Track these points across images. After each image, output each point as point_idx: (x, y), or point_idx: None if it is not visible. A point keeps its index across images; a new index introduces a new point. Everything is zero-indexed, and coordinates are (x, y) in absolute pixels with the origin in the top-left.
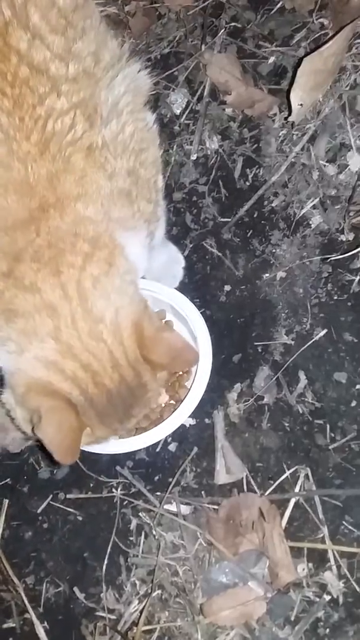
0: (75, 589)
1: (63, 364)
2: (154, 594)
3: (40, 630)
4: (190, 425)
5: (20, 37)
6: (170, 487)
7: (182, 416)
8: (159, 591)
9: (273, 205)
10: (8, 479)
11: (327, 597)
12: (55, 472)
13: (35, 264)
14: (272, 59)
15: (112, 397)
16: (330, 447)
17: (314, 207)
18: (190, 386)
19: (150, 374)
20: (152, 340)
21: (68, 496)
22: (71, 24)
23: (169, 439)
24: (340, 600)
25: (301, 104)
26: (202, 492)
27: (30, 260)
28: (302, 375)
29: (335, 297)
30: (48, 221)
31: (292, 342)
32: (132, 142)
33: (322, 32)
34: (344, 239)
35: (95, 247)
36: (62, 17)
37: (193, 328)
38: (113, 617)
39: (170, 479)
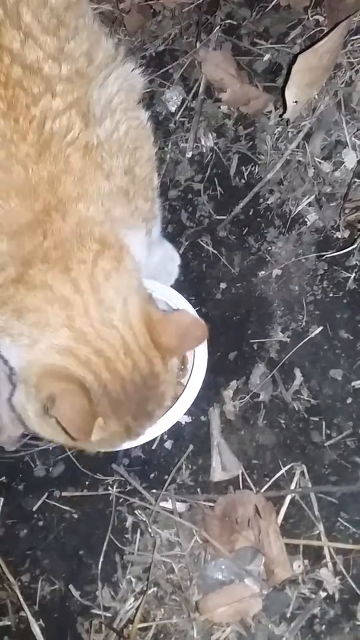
0: (71, 586)
1: (77, 349)
2: (150, 592)
3: (35, 628)
4: (186, 422)
5: (13, 37)
6: (166, 485)
7: (178, 413)
8: (155, 589)
9: (268, 202)
10: (3, 477)
11: (323, 594)
12: (50, 470)
13: (45, 264)
14: (267, 56)
15: (126, 384)
16: (325, 444)
17: (309, 204)
18: (186, 383)
19: (161, 363)
20: (160, 322)
21: (63, 494)
22: (63, 23)
23: (165, 437)
24: (336, 596)
25: (296, 101)
26: (198, 490)
27: (39, 262)
28: (297, 372)
29: (331, 295)
30: (52, 224)
31: (288, 340)
32: (127, 141)
33: (317, 29)
34: (340, 236)
35: (104, 246)
36: (54, 16)
37: None
38: (109, 614)
39: (166, 477)
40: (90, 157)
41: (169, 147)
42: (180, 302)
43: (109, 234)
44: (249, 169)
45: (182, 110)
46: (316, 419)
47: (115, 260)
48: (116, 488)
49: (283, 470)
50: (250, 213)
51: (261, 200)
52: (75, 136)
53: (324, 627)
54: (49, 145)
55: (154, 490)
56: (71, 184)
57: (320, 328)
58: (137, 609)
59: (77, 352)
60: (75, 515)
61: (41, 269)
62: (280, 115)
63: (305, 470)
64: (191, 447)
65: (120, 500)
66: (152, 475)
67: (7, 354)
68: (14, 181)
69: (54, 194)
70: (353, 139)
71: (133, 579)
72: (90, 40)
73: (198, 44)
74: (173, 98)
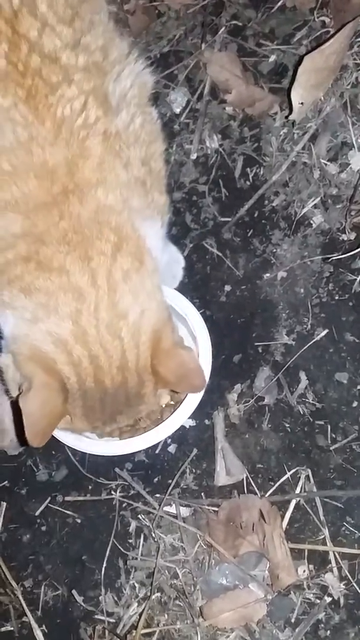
0: (74, 592)
1: (73, 347)
2: (154, 597)
3: (38, 634)
4: (190, 426)
5: (30, 25)
6: (169, 489)
7: (181, 417)
8: (159, 594)
9: (274, 204)
10: (6, 482)
11: (328, 599)
12: (53, 474)
13: (64, 246)
14: (272, 58)
15: (106, 397)
16: (331, 448)
17: (315, 206)
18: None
19: (152, 388)
20: (166, 353)
21: (66, 498)
22: (79, 16)
23: (169, 441)
24: (341, 602)
25: (302, 103)
26: (202, 494)
27: (57, 243)
28: (302, 375)
29: (337, 297)
30: (70, 207)
31: (293, 343)
32: (143, 133)
33: (324, 30)
34: (346, 239)
35: (122, 238)
36: (69, 7)
37: (193, 328)
38: (112, 620)
39: (169, 481)
40: (109, 144)
41: (174, 148)
42: (184, 305)
43: (126, 224)
44: (254, 171)
45: (186, 111)
46: (321, 422)
47: (135, 258)
48: (119, 492)
49: (288, 474)
50: (255, 215)
51: (266, 202)
52: (94, 122)
53: (328, 632)
54: (68, 130)
55: (157, 495)
56: (90, 169)
57: (326, 331)
58: (140, 614)
59: (71, 350)
60: (79, 520)
61: (60, 251)
62: (286, 117)
63: (311, 475)
64: (195, 451)
65: (124, 505)
66: (155, 479)
67: (2, 320)
68: (33, 163)
69: (71, 179)
70: (359, 140)
71: (136, 584)
72: (105, 37)
73: (203, 45)
74: (178, 99)
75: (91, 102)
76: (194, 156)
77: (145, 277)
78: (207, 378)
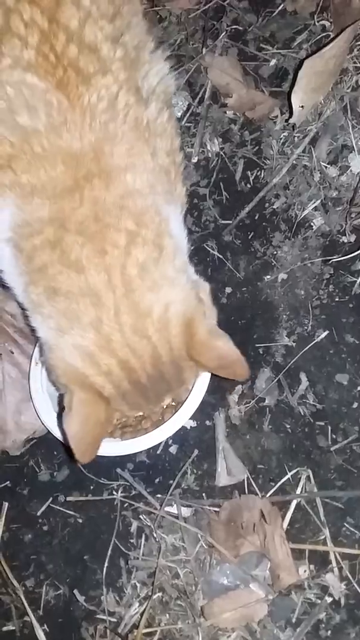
0: (76, 591)
1: (100, 358)
2: (155, 597)
3: (40, 633)
4: (191, 427)
5: (72, 15)
6: (171, 489)
7: (183, 418)
8: (160, 594)
9: (274, 207)
10: (8, 482)
11: (329, 599)
12: (55, 474)
13: (81, 237)
14: (273, 62)
15: (147, 392)
16: (331, 449)
17: (315, 208)
18: (191, 388)
19: (191, 371)
20: (203, 346)
21: (68, 499)
22: (120, 14)
23: (170, 441)
24: (342, 602)
25: (302, 106)
26: (203, 494)
27: (75, 232)
28: (303, 377)
29: (337, 299)
30: (93, 191)
31: (294, 344)
32: (169, 127)
33: (324, 34)
34: (346, 241)
35: (141, 225)
36: (112, 4)
37: None
38: (113, 619)
39: (171, 481)
40: (139, 131)
41: None
42: None
43: (150, 207)
44: (254, 174)
45: (188, 115)
46: (322, 423)
47: (154, 245)
48: (121, 493)
49: (289, 475)
50: (256, 217)
51: (267, 204)
52: (127, 109)
53: (329, 632)
54: (100, 114)
55: (159, 495)
56: (120, 154)
57: (326, 332)
58: (142, 614)
59: (98, 362)
60: (80, 520)
61: (77, 241)
62: (286, 120)
63: (311, 475)
64: (196, 451)
65: (125, 505)
66: (157, 479)
67: (35, 325)
68: (62, 147)
69: (98, 163)
70: (359, 143)
71: (138, 584)
72: (140, 39)
73: (204, 50)
74: (179, 103)
75: (124, 90)
76: (195, 159)
77: (165, 264)
78: (208, 379)
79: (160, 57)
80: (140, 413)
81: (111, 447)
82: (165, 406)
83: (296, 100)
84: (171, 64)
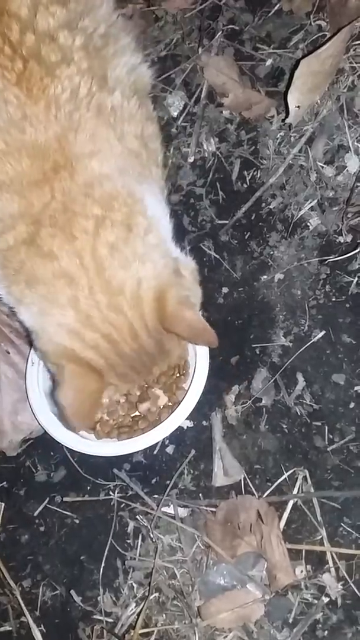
0: (72, 592)
1: (84, 333)
2: (152, 597)
3: (36, 634)
4: (187, 427)
5: (21, 2)
6: (167, 490)
7: (179, 418)
8: (157, 594)
9: (271, 207)
10: (4, 482)
11: (326, 599)
12: (52, 475)
13: (52, 228)
14: (269, 61)
15: (134, 362)
16: (328, 449)
17: (311, 208)
18: (188, 388)
19: (173, 342)
20: (174, 318)
21: (65, 499)
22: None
23: (167, 442)
24: (339, 602)
25: (298, 106)
26: (200, 495)
27: (48, 225)
28: (300, 377)
29: (334, 299)
30: (61, 182)
31: (290, 344)
32: (138, 114)
33: (320, 34)
34: (342, 241)
35: (109, 208)
36: None
37: None
38: (110, 620)
39: (167, 482)
40: (103, 117)
41: (171, 152)
42: None
43: (120, 189)
44: (251, 174)
45: (184, 115)
46: (319, 423)
47: (124, 226)
48: (118, 493)
49: (285, 475)
50: (253, 217)
51: (263, 204)
52: (89, 97)
53: (326, 632)
54: (63, 104)
55: (155, 496)
56: (83, 141)
57: (323, 332)
58: (138, 614)
59: (84, 337)
60: (77, 521)
61: (49, 233)
62: (283, 120)
63: (308, 475)
64: (193, 452)
65: (122, 506)
66: (153, 480)
67: (22, 317)
68: (26, 141)
69: (63, 153)
70: (355, 143)
71: (135, 585)
72: (108, 26)
73: (200, 49)
74: (175, 103)
75: (86, 78)
76: (191, 159)
77: (136, 242)
78: (205, 380)
79: (129, 48)
80: (135, 389)
81: (108, 447)
82: (161, 406)
83: (292, 100)
84: (144, 53)
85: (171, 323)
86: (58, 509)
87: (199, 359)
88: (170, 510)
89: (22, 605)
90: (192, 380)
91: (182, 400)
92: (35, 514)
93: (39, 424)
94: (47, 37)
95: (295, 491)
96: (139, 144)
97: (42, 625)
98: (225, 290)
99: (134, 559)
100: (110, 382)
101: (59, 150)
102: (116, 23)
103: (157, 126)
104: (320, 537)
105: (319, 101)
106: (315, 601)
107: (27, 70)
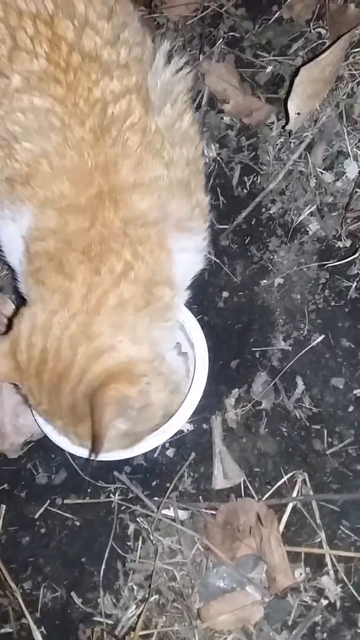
0: (73, 594)
1: (35, 334)
2: (152, 599)
3: (37, 636)
4: (187, 430)
5: (66, 27)
6: (167, 493)
7: (179, 422)
8: (157, 596)
9: (271, 212)
10: (5, 485)
11: (325, 602)
12: (53, 477)
13: (83, 256)
14: (269, 68)
15: (41, 390)
16: (327, 452)
17: (311, 214)
18: (188, 391)
19: (85, 412)
20: (100, 403)
21: (65, 501)
22: (115, 12)
23: (167, 445)
24: (338, 604)
25: (298, 113)
26: (200, 497)
27: (80, 252)
28: (299, 380)
29: (333, 303)
30: (104, 212)
31: (290, 348)
32: (192, 132)
33: (320, 41)
34: (341, 246)
35: (137, 256)
36: (104, 4)
37: (190, 334)
38: (110, 622)
39: (168, 484)
40: (148, 142)
41: None
42: (181, 310)
43: (153, 237)
44: (251, 179)
45: None
46: (318, 427)
47: (145, 291)
48: (118, 496)
49: (285, 478)
50: (253, 222)
51: (263, 210)
52: (136, 121)
53: (325, 635)
54: (109, 129)
55: (155, 498)
56: (128, 169)
57: (322, 336)
58: (138, 616)
59: (31, 334)
60: (77, 523)
61: (78, 259)
62: (283, 127)
63: (307, 478)
64: (193, 455)
65: (122, 508)
66: (154, 483)
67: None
68: (67, 167)
69: (107, 181)
70: (354, 149)
71: (135, 587)
72: (140, 35)
73: (201, 56)
74: None
75: (134, 99)
76: None
77: (141, 320)
78: (204, 383)
79: (166, 54)
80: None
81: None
82: None
83: (292, 107)
84: (185, 59)
85: (95, 404)
86: (59, 511)
87: (199, 363)
88: (170, 512)
89: (23, 607)
90: (192, 384)
91: (182, 404)
92: (36, 516)
93: (40, 427)
94: (89, 58)
95: (294, 494)
96: (190, 170)
97: (42, 627)
98: (225, 294)
99: (134, 561)
100: (24, 385)
101: (103, 176)
102: (143, 32)
103: (203, 142)
104: (319, 539)
105: (318, 108)
106: (315, 604)
107: (76, 80)
